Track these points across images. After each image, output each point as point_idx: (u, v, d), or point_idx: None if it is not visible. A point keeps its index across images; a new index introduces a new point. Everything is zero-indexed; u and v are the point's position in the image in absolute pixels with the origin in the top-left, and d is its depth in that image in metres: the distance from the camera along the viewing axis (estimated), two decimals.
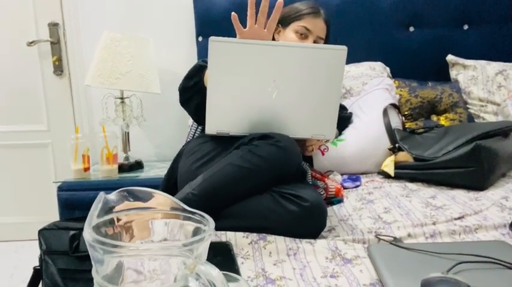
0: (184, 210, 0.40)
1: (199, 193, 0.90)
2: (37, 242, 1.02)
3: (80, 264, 1.51)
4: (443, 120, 1.63)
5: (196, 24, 1.84)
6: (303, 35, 1.27)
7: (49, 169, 2.05)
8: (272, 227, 0.88)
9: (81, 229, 1.43)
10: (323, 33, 1.29)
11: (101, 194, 0.38)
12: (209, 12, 1.81)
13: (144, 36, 1.78)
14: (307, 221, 0.87)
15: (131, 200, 0.40)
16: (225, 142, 1.02)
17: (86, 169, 1.67)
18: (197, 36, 1.85)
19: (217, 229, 0.89)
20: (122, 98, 1.75)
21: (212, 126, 0.99)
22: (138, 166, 1.80)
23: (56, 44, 1.96)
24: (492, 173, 1.21)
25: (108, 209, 0.38)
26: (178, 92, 1.17)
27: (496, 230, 0.91)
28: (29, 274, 1.03)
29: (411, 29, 1.82)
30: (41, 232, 1.54)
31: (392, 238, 0.88)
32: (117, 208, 0.38)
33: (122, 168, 1.74)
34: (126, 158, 1.80)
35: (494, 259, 0.71)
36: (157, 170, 1.79)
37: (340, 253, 0.81)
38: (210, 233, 0.35)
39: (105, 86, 1.63)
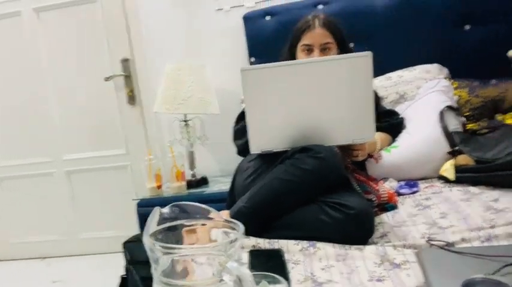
0: (225, 220, 0.49)
1: (250, 206, 0.98)
2: (122, 254, 1.17)
3: None
4: (509, 119, 1.53)
5: (248, 46, 1.96)
6: (307, 51, 1.34)
7: (129, 187, 2.29)
8: (320, 236, 0.93)
9: None
10: (325, 38, 1.33)
11: (156, 209, 0.47)
12: (259, 34, 1.92)
13: (202, 62, 1.95)
14: (354, 228, 0.90)
15: (181, 212, 0.49)
16: (271, 158, 1.09)
17: (159, 187, 1.86)
18: (250, 57, 1.96)
19: (270, 238, 0.96)
20: (185, 121, 1.92)
21: (256, 147, 1.08)
22: (203, 181, 1.95)
23: (128, 77, 2.21)
24: None
25: (162, 219, 0.48)
26: (238, 153, 1.39)
27: None
28: (117, 282, 1.18)
29: (466, 27, 1.75)
30: (125, 244, 1.74)
31: (445, 243, 0.87)
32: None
33: (189, 184, 1.89)
34: (193, 175, 1.96)
35: None
36: (221, 184, 1.91)
37: (389, 258, 0.84)
38: (237, 238, 0.43)
39: (170, 111, 1.81)
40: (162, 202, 1.88)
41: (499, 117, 1.57)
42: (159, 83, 1.99)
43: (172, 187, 1.85)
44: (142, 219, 1.81)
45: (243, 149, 1.34)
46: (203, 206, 0.51)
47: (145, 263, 1.75)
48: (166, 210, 0.48)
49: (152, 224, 0.44)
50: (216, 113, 1.88)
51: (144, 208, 1.81)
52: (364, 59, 1.03)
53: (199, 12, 2.05)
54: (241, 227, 0.46)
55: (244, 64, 2.02)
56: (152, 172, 1.86)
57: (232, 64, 2.05)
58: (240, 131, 1.35)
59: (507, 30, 1.71)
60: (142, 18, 2.11)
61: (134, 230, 2.11)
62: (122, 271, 1.15)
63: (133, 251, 1.74)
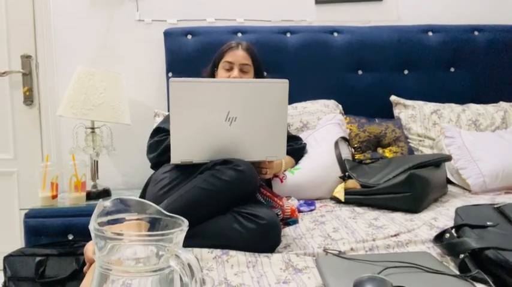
0: (167, 215, 0.52)
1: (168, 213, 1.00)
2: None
3: None
4: (387, 153, 1.83)
5: (166, 61, 1.98)
6: (228, 69, 1.47)
7: (13, 197, 2.05)
8: (234, 244, 0.99)
9: (48, 255, 1.46)
10: (245, 59, 1.49)
11: (100, 201, 0.49)
12: (179, 51, 1.96)
13: (116, 70, 1.90)
14: (264, 237, 0.99)
15: (123, 206, 0.52)
16: (188, 170, 1.14)
17: (54, 197, 1.71)
18: (167, 72, 1.99)
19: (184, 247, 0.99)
20: (92, 128, 1.83)
21: (177, 157, 1.12)
22: (105, 193, 1.86)
23: (27, 75, 2.03)
24: (425, 198, 1.40)
25: (105, 213, 0.49)
26: (152, 166, 1.40)
27: (423, 244, 1.07)
28: None
29: (360, 72, 2.06)
30: (6, 259, 1.56)
31: (338, 251, 1.02)
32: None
33: (89, 195, 1.79)
34: (94, 186, 1.86)
35: (414, 264, 0.86)
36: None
37: (293, 264, 0.94)
38: (184, 228, 0.47)
39: (78, 117, 1.71)
40: (56, 213, 1.73)
41: (380, 150, 1.87)
42: (64, 85, 1.88)
43: (70, 197, 1.72)
44: (30, 232, 1.63)
45: (157, 163, 1.35)
46: (140, 200, 0.54)
47: (29, 280, 1.63)
48: (108, 203, 0.50)
49: (94, 217, 0.46)
50: (127, 124, 1.84)
51: (34, 219, 1.65)
52: (282, 85, 1.16)
53: (119, 19, 2.01)
54: (184, 220, 0.50)
55: (161, 78, 2.03)
56: (47, 180, 1.71)
57: (149, 76, 2.05)
58: (155, 145, 1.37)
59: (391, 79, 2.06)
60: (55, 15, 1.98)
61: (17, 244, 1.89)
62: None
63: (16, 266, 1.57)
